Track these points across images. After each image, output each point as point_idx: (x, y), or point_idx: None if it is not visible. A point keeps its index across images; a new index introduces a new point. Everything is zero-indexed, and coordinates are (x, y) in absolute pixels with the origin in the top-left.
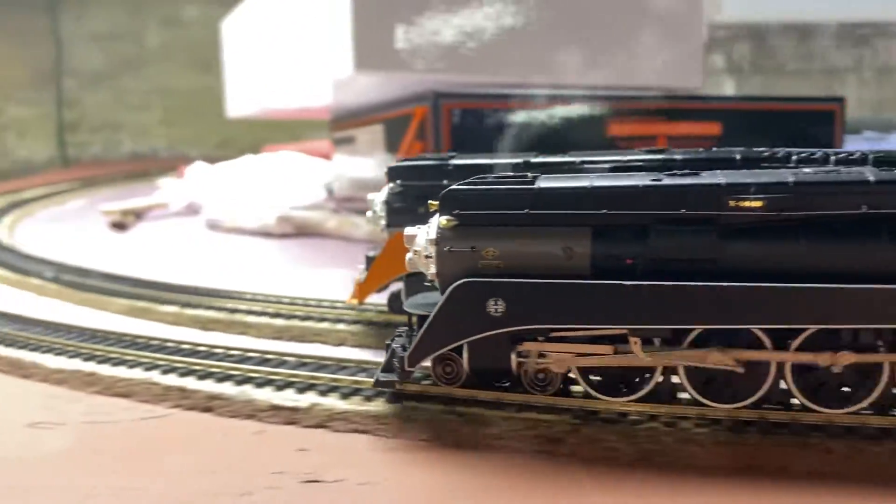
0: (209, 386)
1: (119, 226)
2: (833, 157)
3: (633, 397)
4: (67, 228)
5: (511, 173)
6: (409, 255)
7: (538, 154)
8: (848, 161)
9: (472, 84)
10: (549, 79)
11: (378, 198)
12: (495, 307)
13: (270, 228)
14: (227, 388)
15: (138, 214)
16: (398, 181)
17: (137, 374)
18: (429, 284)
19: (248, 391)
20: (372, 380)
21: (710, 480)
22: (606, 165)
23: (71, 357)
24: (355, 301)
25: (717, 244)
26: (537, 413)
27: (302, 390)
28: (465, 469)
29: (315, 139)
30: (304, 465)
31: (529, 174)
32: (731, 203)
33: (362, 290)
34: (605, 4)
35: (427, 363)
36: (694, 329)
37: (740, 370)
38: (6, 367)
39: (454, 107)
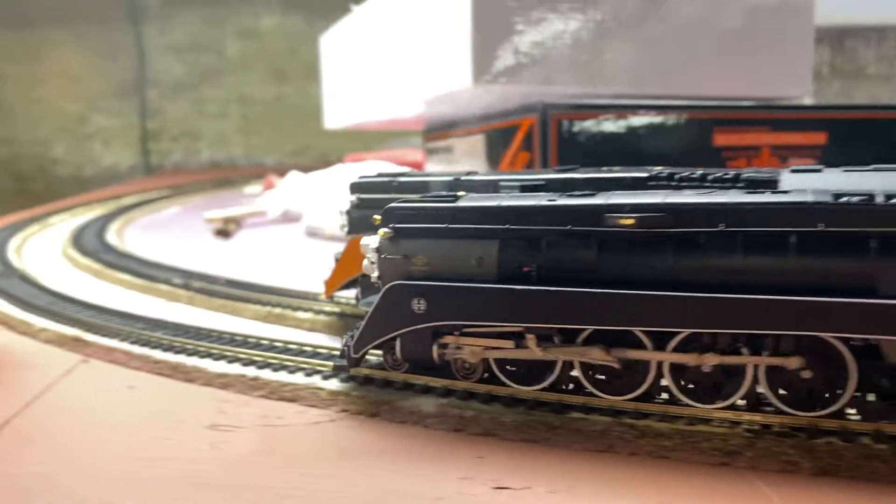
0: (372, 392)
1: (223, 233)
2: (710, 178)
3: (539, 387)
4: (172, 235)
5: (443, 192)
6: (364, 261)
7: (469, 173)
8: (722, 181)
9: (579, 95)
10: (658, 89)
11: (342, 209)
12: (418, 305)
13: None
14: (391, 395)
15: (238, 222)
16: (356, 194)
17: (300, 378)
18: (376, 284)
19: (412, 398)
20: None
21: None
22: (517, 184)
23: (230, 362)
24: (323, 296)
25: (597, 256)
26: (709, 426)
27: (464, 398)
28: (641, 481)
29: (389, 148)
30: (488, 471)
31: (458, 193)
32: (609, 221)
33: (328, 286)
34: (713, 13)
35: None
36: (584, 329)
37: (617, 366)
38: (169, 371)
39: (562, 118)
